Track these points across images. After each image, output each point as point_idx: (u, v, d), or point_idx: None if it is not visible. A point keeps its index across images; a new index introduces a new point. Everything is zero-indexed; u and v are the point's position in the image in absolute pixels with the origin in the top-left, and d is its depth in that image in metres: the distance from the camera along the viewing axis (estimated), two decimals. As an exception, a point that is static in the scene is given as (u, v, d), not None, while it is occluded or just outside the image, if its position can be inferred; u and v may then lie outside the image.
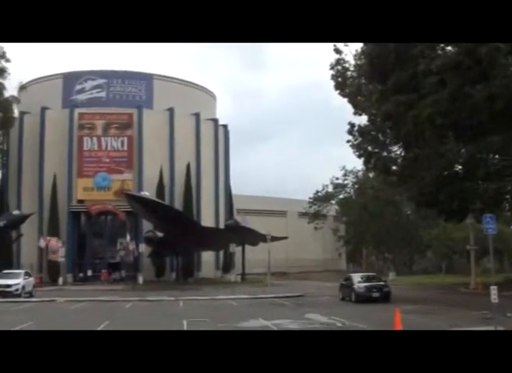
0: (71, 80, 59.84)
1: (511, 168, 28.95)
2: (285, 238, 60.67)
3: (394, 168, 34.66)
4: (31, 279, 37.60)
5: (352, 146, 34.78)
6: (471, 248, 41.61)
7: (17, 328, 17.43)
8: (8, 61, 53.06)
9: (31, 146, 56.45)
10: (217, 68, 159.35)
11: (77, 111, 56.57)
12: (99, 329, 17.34)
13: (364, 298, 28.48)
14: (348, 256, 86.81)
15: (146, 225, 52.60)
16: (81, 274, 54.46)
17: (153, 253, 53.32)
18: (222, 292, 37.45)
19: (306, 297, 34.37)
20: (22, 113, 57.85)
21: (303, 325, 18.67)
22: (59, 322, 21.12)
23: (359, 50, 33.18)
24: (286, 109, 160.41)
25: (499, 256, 60.47)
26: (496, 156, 30.59)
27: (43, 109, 57.13)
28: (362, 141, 34.22)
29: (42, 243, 51.46)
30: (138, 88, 60.14)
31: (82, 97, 58.87)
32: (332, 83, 35.25)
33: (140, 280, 50.69)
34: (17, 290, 34.34)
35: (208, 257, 58.26)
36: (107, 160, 55.94)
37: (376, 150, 34.11)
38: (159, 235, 50.31)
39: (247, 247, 56.29)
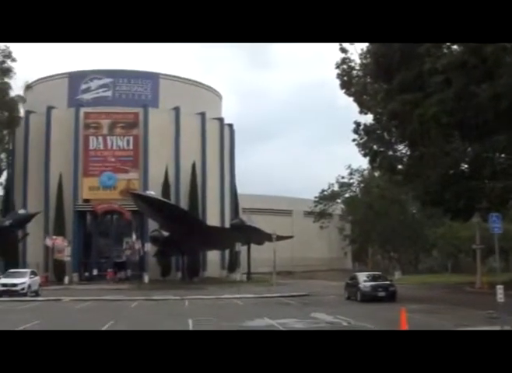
0: (76, 79, 60.00)
1: (517, 167, 28.88)
2: (291, 237, 60.70)
3: (399, 167, 34.51)
4: (37, 278, 37.71)
5: (358, 145, 34.67)
6: (477, 247, 41.41)
7: (22, 327, 17.51)
8: (14, 60, 53.54)
9: (37, 145, 56.60)
10: (223, 68, 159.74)
11: (83, 110, 56.63)
12: (104, 328, 17.39)
13: (370, 298, 28.39)
14: (354, 255, 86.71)
15: (152, 225, 52.65)
16: (87, 273, 54.48)
17: (159, 252, 53.42)
18: (227, 291, 37.48)
19: (312, 296, 34.34)
20: (28, 113, 58.05)
21: (309, 325, 18.67)
22: (65, 321, 21.19)
23: (365, 49, 33.10)
24: (292, 108, 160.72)
25: (505, 256, 60.14)
26: (502, 155, 30.47)
27: (49, 109, 57.24)
28: (368, 139, 34.11)
29: (48, 242, 51.61)
30: (144, 87, 60.21)
31: (87, 96, 59.04)
32: (338, 82, 35.18)
33: (146, 279, 50.69)
34: (23, 289, 34.47)
35: (213, 256, 58.27)
36: (113, 159, 56.02)
37: (382, 149, 33.99)
38: (165, 234, 50.31)
39: (253, 246, 56.22)
